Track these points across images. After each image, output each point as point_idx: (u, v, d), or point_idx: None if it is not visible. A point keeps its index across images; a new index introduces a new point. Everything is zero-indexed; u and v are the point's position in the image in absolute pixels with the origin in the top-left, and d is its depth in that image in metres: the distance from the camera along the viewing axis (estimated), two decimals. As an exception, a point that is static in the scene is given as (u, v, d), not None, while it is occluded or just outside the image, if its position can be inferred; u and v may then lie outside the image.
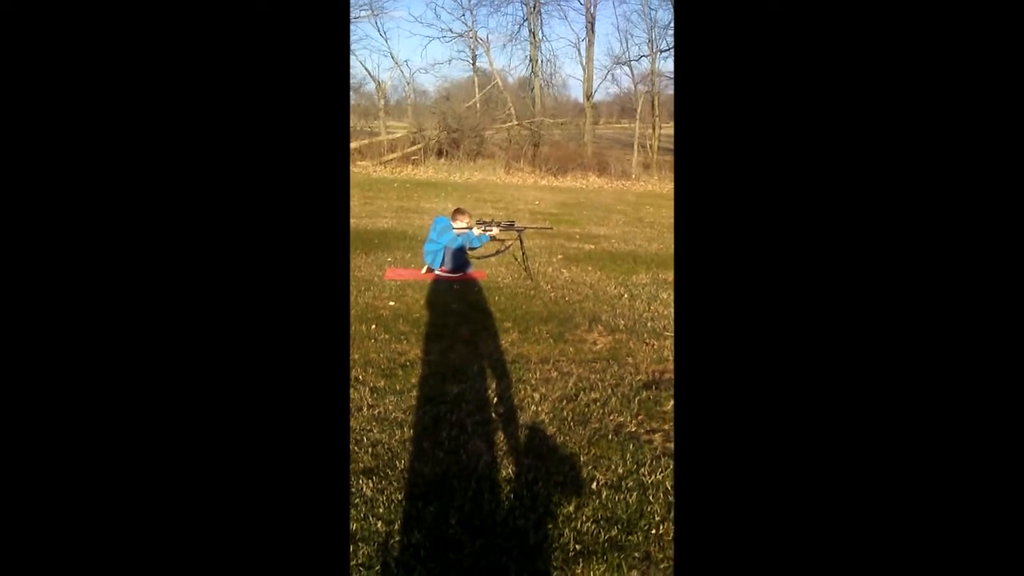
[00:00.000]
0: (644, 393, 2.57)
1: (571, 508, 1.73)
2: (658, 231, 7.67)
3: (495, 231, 4.74)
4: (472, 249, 4.76)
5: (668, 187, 14.10)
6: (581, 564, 1.51)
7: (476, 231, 4.69)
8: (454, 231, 4.61)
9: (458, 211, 4.81)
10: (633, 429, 2.26)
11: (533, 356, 2.98)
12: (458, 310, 3.76)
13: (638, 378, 2.75)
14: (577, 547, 1.57)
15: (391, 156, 15.37)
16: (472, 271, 4.71)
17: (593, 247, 6.23)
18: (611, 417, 2.34)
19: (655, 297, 4.26)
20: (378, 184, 11.85)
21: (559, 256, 5.62)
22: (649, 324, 3.59)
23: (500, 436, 2.15)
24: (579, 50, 20.07)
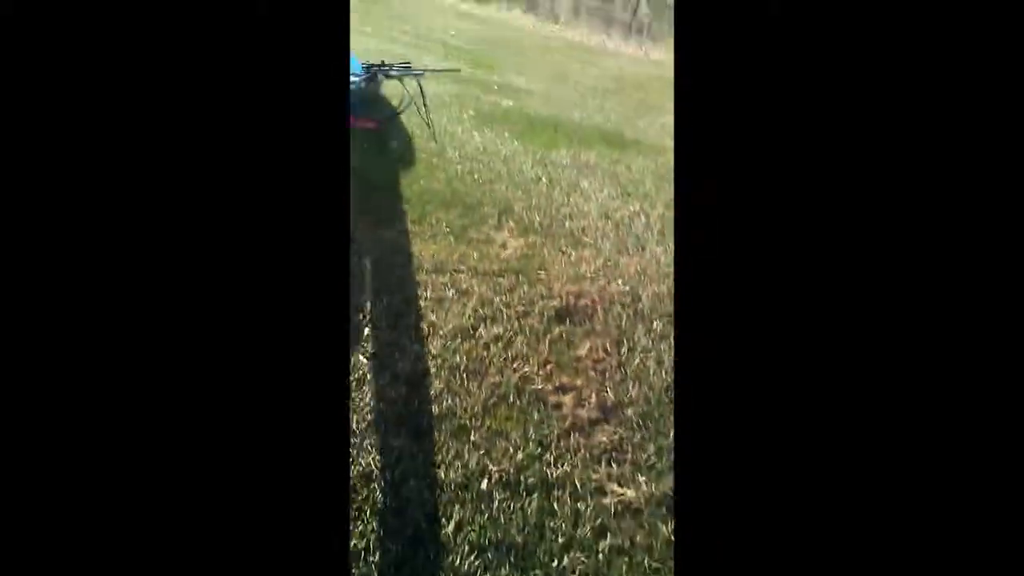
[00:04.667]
0: (556, 329, 2.12)
1: (450, 528, 1.29)
2: (581, 95, 6.89)
3: (380, 79, 3.73)
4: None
5: (595, 40, 12.89)
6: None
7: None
8: None
9: None
10: (539, 386, 1.82)
11: (427, 260, 2.38)
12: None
13: (551, 304, 2.28)
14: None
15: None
16: (361, 119, 3.79)
17: (512, 103, 5.39)
18: (515, 365, 1.88)
19: (575, 186, 3.70)
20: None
21: (471, 112, 4.77)
22: (567, 224, 3.07)
23: (366, 394, 1.61)
24: None
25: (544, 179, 3.67)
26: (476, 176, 3.42)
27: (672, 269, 2.86)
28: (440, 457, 1.45)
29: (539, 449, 1.57)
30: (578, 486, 1.48)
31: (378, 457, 1.40)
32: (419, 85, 3.80)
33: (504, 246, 2.68)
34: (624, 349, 2.11)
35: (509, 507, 1.37)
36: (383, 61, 3.75)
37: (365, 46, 6.24)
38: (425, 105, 3.82)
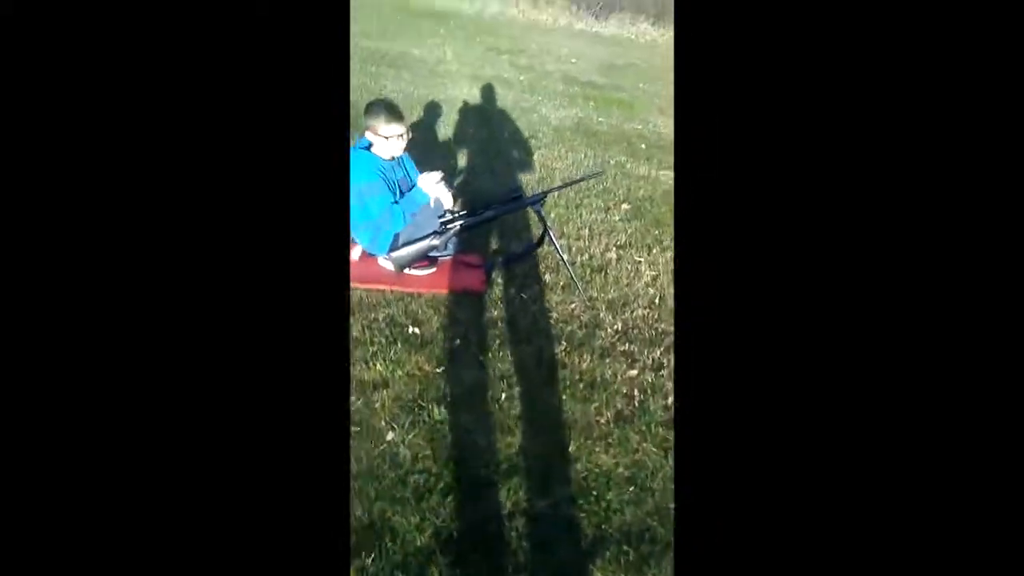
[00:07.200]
0: None
1: None
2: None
3: (453, 224, 2.10)
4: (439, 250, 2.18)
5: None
6: None
7: (432, 191, 2.17)
8: (407, 209, 2.11)
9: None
10: None
11: None
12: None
13: None
14: None
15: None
16: (456, 264, 2.24)
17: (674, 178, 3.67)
18: None
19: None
20: (361, 5, 8.49)
21: (624, 204, 3.10)
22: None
23: None
24: None
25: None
26: (655, 387, 1.74)
27: None
28: None
29: None
30: None
31: None
32: (542, 217, 2.18)
33: None
34: None
35: None
36: (469, 209, 2.17)
37: (469, 92, 4.83)
38: (550, 236, 2.19)
